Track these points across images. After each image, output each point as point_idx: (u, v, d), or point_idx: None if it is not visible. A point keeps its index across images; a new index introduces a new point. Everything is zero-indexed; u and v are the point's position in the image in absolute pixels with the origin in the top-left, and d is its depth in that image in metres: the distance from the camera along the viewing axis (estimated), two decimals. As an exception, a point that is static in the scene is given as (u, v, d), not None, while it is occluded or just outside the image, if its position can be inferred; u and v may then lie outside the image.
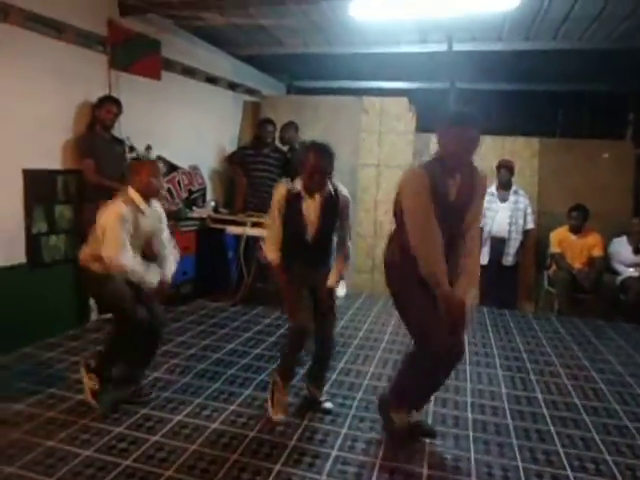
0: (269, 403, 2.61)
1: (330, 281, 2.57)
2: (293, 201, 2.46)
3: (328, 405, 2.66)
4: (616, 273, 4.72)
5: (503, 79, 6.33)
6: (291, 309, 2.57)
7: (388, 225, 5.24)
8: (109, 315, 3.88)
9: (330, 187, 2.48)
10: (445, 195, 2.11)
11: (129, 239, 2.47)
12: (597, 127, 6.58)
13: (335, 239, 2.60)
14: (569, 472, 2.19)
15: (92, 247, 2.52)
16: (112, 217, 2.43)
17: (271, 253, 2.53)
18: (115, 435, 2.31)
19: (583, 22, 4.32)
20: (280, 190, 2.48)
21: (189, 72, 5.00)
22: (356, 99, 5.44)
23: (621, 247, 4.75)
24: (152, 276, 2.55)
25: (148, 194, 2.57)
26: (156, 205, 2.67)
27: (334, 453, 2.26)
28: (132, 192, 2.53)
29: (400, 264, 2.23)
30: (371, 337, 3.88)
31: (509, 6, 3.85)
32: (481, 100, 6.58)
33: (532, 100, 6.73)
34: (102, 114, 3.71)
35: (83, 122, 3.73)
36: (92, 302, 3.89)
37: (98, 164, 3.67)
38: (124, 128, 3.99)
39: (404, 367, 2.36)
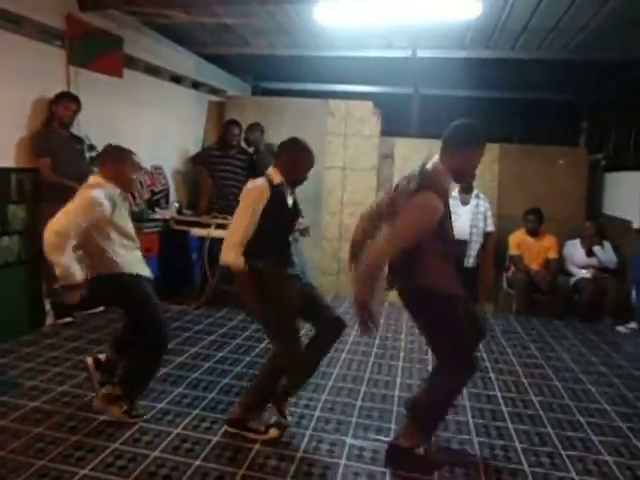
0: (253, 435, 2.37)
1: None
2: (277, 195, 2.33)
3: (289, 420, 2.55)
4: (570, 275, 4.93)
5: (465, 86, 6.52)
6: (291, 336, 2.34)
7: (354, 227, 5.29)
8: (67, 319, 3.77)
9: None
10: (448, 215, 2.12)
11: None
12: (554, 134, 6.86)
13: None
14: (526, 467, 2.26)
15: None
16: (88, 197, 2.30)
17: (237, 257, 2.24)
18: (72, 443, 2.23)
19: (541, 33, 4.50)
20: (261, 187, 2.29)
21: (152, 70, 4.90)
22: (322, 102, 5.46)
23: (575, 250, 4.96)
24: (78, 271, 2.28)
25: (123, 187, 2.47)
26: None
27: (299, 455, 2.26)
28: (100, 180, 2.40)
29: (433, 287, 2.10)
30: (336, 339, 3.89)
31: (471, 15, 3.97)
32: (443, 106, 6.75)
33: (493, 107, 6.95)
34: (59, 111, 3.59)
35: (39, 119, 3.60)
36: (48, 306, 3.76)
37: (55, 162, 3.55)
38: (83, 126, 3.88)
39: (439, 390, 2.20)
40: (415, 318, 2.31)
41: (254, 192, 2.30)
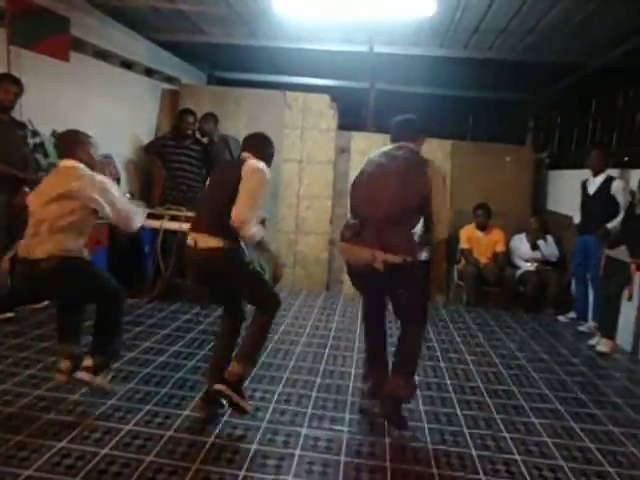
0: (242, 402, 2.43)
1: None
2: None
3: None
4: (516, 267, 5.16)
5: (420, 83, 6.65)
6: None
7: (311, 220, 5.32)
8: (7, 315, 3.58)
9: None
10: None
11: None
12: (503, 132, 7.14)
13: None
14: (473, 451, 2.37)
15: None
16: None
17: (257, 229, 2.45)
18: (15, 444, 2.14)
19: (492, 34, 4.66)
20: (266, 170, 2.46)
21: (102, 55, 4.70)
22: (279, 93, 5.43)
23: (520, 243, 5.20)
24: None
25: (94, 167, 2.48)
26: None
27: (254, 447, 2.26)
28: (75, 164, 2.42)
29: (417, 253, 2.40)
30: (292, 331, 3.91)
31: (425, 13, 4.05)
32: (399, 102, 6.86)
33: (446, 104, 7.14)
34: (-1, 94, 3.38)
35: (-23, 102, 3.38)
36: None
37: (-5, 149, 3.35)
38: (26, 111, 3.67)
39: (416, 342, 2.60)
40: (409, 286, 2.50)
41: (267, 173, 2.45)
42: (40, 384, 2.69)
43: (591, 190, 4.34)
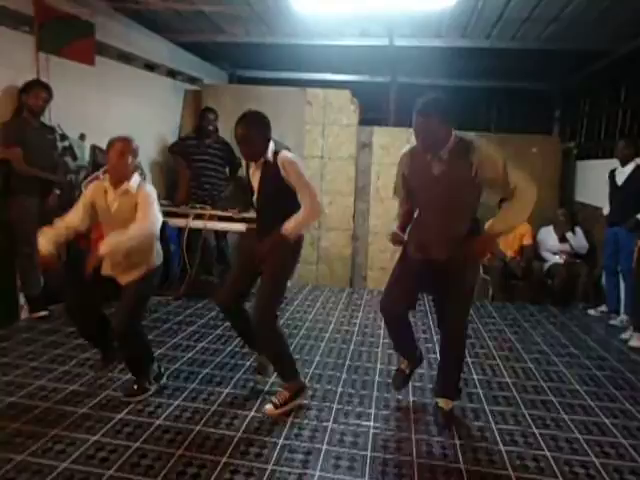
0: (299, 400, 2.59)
1: (285, 226, 2.42)
2: (247, 169, 2.62)
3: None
4: (544, 260, 5.05)
5: (442, 75, 6.56)
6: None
7: (334, 216, 5.32)
8: (42, 313, 3.70)
9: (269, 155, 2.46)
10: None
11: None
12: (528, 123, 6.98)
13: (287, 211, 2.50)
14: (501, 447, 2.34)
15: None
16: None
17: None
18: (51, 437, 2.22)
19: (515, 23, 4.55)
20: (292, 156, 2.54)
21: (126, 58, 4.79)
22: (300, 90, 5.43)
23: (548, 236, 5.09)
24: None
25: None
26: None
27: (281, 442, 2.29)
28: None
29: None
30: (316, 327, 3.93)
31: (446, 4, 3.98)
32: (420, 95, 6.78)
33: (469, 95, 7.02)
34: (30, 100, 3.49)
35: (9, 108, 3.49)
36: (23, 300, 3.68)
37: (26, 153, 3.46)
38: (54, 115, 3.78)
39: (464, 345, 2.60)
40: (459, 280, 2.40)
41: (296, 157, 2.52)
42: (74, 379, 2.78)
43: (619, 180, 4.22)
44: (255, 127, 2.43)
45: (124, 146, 2.50)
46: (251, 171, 2.58)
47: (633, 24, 4.31)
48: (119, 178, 2.53)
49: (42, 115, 3.63)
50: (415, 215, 2.49)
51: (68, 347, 3.23)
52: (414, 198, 2.47)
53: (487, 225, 2.35)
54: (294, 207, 2.45)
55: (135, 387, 2.62)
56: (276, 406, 2.50)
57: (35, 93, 3.50)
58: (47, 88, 3.57)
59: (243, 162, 2.71)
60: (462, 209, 2.34)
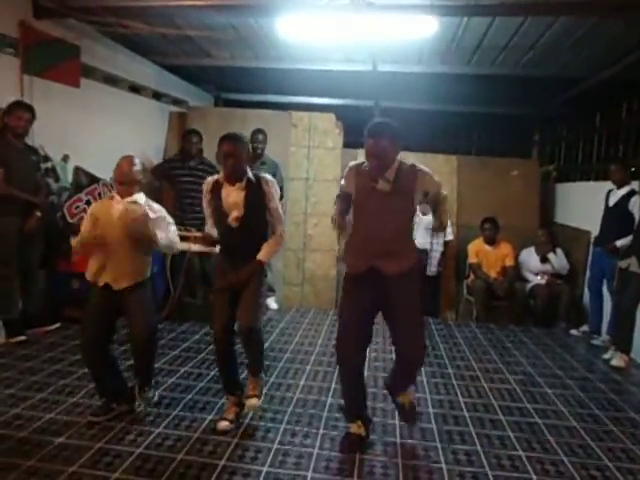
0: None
1: (260, 256, 2.53)
2: (215, 190, 2.60)
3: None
4: (526, 281, 5.12)
5: (424, 99, 6.71)
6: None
7: (319, 238, 5.33)
8: (20, 338, 3.60)
9: (251, 175, 2.56)
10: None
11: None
12: (508, 146, 7.15)
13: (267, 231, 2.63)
14: (488, 470, 2.32)
15: None
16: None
17: None
18: (26, 469, 2.13)
19: (493, 50, 4.70)
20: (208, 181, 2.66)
21: (111, 80, 4.81)
22: (285, 113, 5.50)
23: (530, 257, 5.17)
24: None
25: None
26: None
27: (265, 469, 2.24)
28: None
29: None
30: (302, 350, 3.89)
31: (428, 33, 4.10)
32: (403, 119, 6.90)
33: (450, 120, 7.19)
34: (12, 121, 3.46)
35: (-9, 129, 3.46)
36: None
37: (8, 174, 3.42)
38: (37, 136, 3.75)
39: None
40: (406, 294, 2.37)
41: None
42: (51, 407, 2.69)
43: (611, 202, 4.30)
44: (241, 143, 2.52)
45: (132, 158, 2.71)
46: (224, 192, 2.56)
47: (607, 52, 4.49)
48: (128, 186, 2.65)
49: (26, 136, 3.60)
50: (353, 232, 2.43)
51: (45, 374, 3.14)
52: (356, 213, 2.42)
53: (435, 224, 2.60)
54: (266, 228, 2.61)
55: (140, 393, 2.68)
56: (258, 397, 2.64)
57: (17, 115, 3.48)
58: (30, 109, 3.55)
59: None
60: (406, 224, 2.41)
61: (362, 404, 2.57)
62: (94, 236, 2.56)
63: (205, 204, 2.68)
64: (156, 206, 2.73)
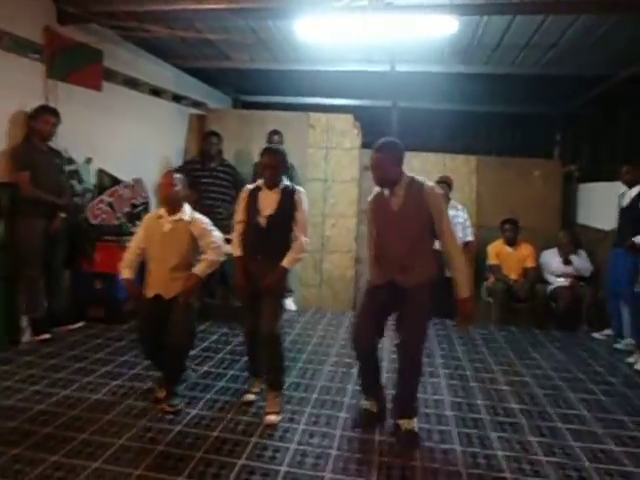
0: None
1: (284, 262, 2.74)
2: (254, 193, 2.84)
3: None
4: (547, 283, 5.03)
5: (443, 99, 6.65)
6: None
7: (337, 239, 5.33)
8: (45, 336, 3.69)
9: (287, 183, 2.85)
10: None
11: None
12: (529, 146, 7.04)
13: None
14: (508, 474, 2.30)
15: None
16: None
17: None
18: (51, 464, 2.19)
19: (513, 49, 4.64)
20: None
21: (132, 83, 4.89)
22: (302, 114, 5.52)
23: (552, 258, 5.08)
24: None
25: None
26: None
27: (283, 469, 2.25)
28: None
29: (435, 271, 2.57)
30: (320, 351, 3.90)
31: (447, 32, 4.07)
32: (422, 119, 6.87)
33: (470, 120, 7.10)
34: (39, 125, 3.56)
35: (18, 133, 3.56)
36: (25, 322, 3.68)
37: (35, 177, 3.51)
38: (61, 139, 3.84)
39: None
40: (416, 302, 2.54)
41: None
42: (75, 404, 2.76)
43: (624, 202, 4.24)
44: (279, 156, 2.83)
45: (172, 177, 2.86)
46: (262, 194, 2.82)
47: (630, 50, 4.39)
48: (173, 206, 2.84)
49: (51, 140, 3.69)
50: (375, 248, 2.66)
51: (69, 371, 3.21)
52: (377, 232, 2.65)
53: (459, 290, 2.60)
54: (290, 234, 2.81)
55: (168, 395, 2.79)
56: (278, 414, 2.73)
57: (44, 118, 3.57)
58: (55, 113, 3.64)
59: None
60: (420, 238, 2.53)
61: (375, 385, 2.75)
62: (141, 251, 2.83)
63: (239, 208, 2.89)
64: (199, 216, 2.91)
